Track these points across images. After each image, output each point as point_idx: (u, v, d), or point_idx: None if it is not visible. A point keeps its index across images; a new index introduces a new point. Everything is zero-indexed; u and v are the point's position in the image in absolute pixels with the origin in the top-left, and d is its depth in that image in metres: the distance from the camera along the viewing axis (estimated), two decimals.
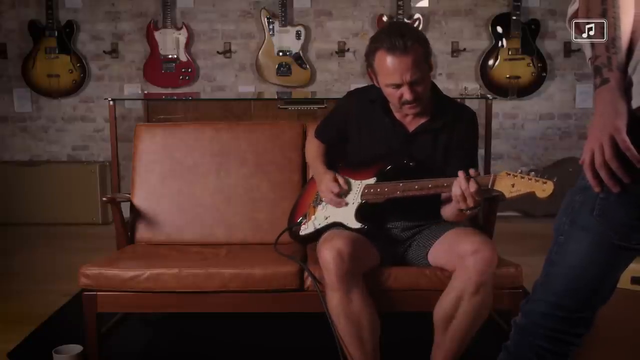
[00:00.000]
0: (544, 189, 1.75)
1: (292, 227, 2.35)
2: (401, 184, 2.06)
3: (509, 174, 1.83)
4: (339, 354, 2.00)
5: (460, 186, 1.88)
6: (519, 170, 1.83)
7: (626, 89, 1.19)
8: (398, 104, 2.09)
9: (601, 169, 1.19)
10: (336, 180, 2.20)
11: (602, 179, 1.21)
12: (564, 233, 1.34)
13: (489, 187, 1.87)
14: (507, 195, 1.83)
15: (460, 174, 1.89)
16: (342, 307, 1.97)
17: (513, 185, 1.81)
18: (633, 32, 1.20)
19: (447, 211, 2.08)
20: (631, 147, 1.16)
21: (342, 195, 2.18)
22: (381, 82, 2.09)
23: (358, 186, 2.18)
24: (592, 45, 1.22)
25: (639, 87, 1.18)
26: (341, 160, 2.31)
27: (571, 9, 1.34)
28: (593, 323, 1.38)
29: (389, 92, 2.08)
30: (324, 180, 2.23)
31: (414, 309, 2.15)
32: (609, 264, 1.32)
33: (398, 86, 2.04)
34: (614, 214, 1.25)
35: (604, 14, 1.20)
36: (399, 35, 1.99)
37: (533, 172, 1.80)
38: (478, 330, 2.00)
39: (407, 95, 2.04)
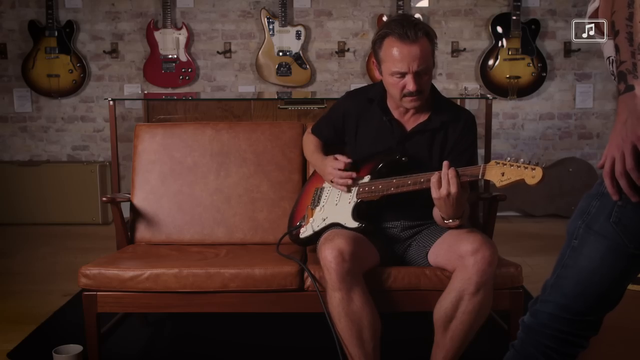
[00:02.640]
0: (533, 175, 1.74)
1: (292, 230, 2.35)
2: (394, 180, 2.06)
3: (498, 163, 1.82)
4: (339, 354, 2.00)
5: (440, 174, 1.91)
6: (507, 158, 1.82)
7: None
8: (399, 96, 2.08)
9: (621, 178, 1.19)
10: (337, 158, 2.21)
11: (621, 187, 1.20)
12: (578, 237, 1.34)
13: (480, 177, 1.87)
14: (498, 184, 1.81)
15: (445, 163, 1.93)
16: (343, 306, 1.96)
17: (503, 174, 1.80)
18: None
19: (435, 215, 2.09)
20: None
21: (347, 169, 2.18)
22: (385, 71, 2.08)
23: (353, 185, 2.18)
24: (617, 49, 1.20)
25: None
26: None
27: (591, 7, 1.33)
28: (600, 326, 1.38)
29: (392, 81, 2.07)
30: (327, 165, 2.23)
31: (414, 309, 2.15)
32: (621, 270, 1.32)
33: (403, 75, 2.03)
34: (631, 222, 1.25)
35: (630, 18, 1.18)
36: (411, 25, 2.01)
37: (522, 160, 1.79)
38: (478, 330, 2.00)
39: (411, 86, 2.03)
